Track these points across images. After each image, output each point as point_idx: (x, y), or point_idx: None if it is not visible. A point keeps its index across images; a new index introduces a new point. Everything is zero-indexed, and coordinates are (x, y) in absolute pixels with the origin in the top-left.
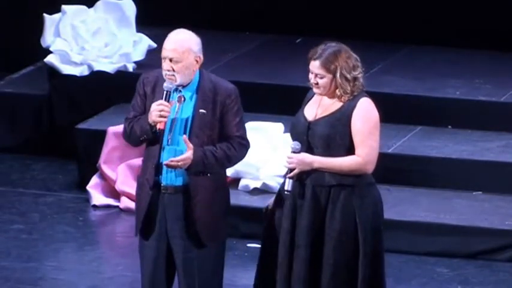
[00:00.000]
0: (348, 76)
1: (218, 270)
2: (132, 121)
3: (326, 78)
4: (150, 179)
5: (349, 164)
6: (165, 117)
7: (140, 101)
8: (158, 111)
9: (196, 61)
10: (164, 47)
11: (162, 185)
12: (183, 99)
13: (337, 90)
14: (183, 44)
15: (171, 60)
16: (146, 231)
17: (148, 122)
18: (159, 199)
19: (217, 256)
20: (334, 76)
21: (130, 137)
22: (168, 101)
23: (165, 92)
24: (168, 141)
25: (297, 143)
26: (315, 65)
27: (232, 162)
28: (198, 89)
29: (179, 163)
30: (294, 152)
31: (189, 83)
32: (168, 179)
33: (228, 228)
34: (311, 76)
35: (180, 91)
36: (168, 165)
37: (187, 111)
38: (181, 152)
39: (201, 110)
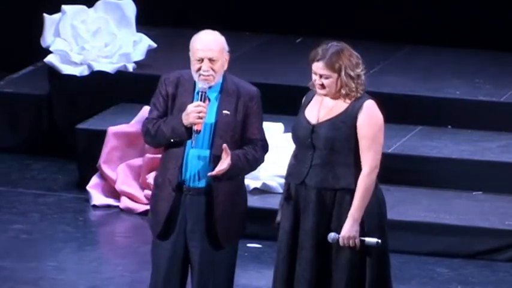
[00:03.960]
0: (352, 73)
1: (232, 271)
2: (157, 122)
3: (332, 78)
4: (172, 180)
5: (364, 187)
6: (202, 118)
7: (163, 102)
8: (197, 113)
9: (226, 59)
10: (198, 48)
11: (184, 186)
12: (208, 100)
13: (342, 90)
14: (218, 43)
15: (210, 60)
16: (163, 232)
17: (184, 123)
18: (180, 200)
19: (232, 257)
20: (339, 75)
21: (155, 138)
22: (204, 102)
23: (200, 93)
24: (192, 142)
25: (332, 236)
26: (318, 66)
27: (258, 164)
28: (222, 90)
29: (222, 171)
30: (334, 242)
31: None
32: (192, 180)
33: (243, 229)
34: (315, 78)
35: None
36: (212, 176)
37: (212, 112)
38: (205, 155)
39: (225, 111)
